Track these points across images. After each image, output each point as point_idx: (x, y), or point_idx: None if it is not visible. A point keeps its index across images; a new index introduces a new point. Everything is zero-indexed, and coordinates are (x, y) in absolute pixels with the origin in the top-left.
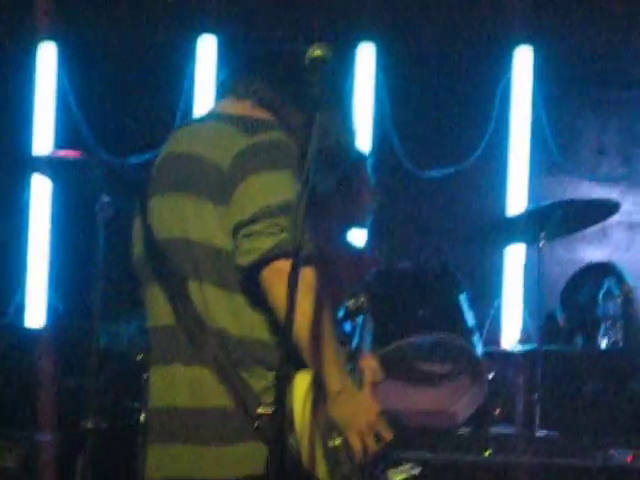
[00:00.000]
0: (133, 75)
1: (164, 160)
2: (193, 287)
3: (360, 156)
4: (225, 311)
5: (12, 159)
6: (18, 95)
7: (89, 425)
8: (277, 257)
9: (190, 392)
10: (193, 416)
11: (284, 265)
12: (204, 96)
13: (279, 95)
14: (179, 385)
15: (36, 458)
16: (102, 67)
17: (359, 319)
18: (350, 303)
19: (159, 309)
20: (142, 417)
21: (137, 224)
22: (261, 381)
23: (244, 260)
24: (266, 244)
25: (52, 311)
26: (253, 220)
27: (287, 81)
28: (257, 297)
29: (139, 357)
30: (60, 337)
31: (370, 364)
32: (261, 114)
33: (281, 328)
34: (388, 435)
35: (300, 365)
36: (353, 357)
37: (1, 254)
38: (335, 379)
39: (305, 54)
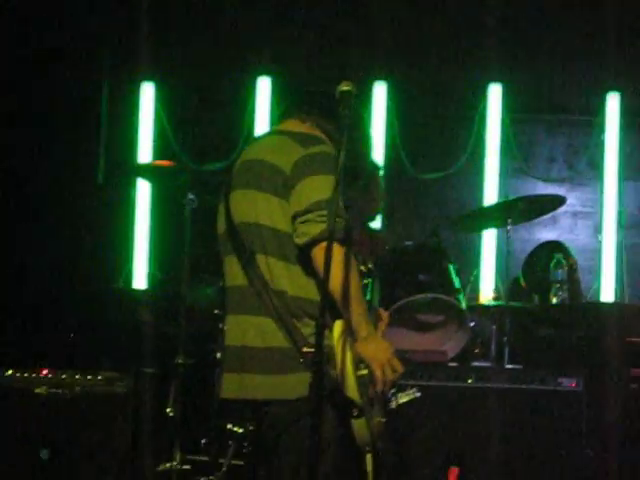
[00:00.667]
0: (211, 105)
1: (240, 164)
2: (260, 259)
3: (375, 167)
4: (284, 277)
5: (123, 167)
6: (127, 120)
7: (180, 361)
8: (323, 239)
9: (256, 335)
10: (258, 353)
11: (328, 245)
12: (261, 120)
13: (329, 123)
14: (248, 330)
15: (141, 386)
16: (188, 98)
17: (369, 281)
18: (363, 269)
19: (235, 274)
20: (218, 355)
21: (221, 211)
22: (308, 328)
23: (300, 240)
24: (316, 229)
25: (152, 278)
26: (307, 211)
27: (333, 114)
28: (308, 267)
29: (216, 311)
30: (158, 296)
31: (383, 316)
32: (313, 130)
33: (324, 289)
34: (400, 368)
35: (336, 316)
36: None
37: (115, 237)
38: (362, 326)
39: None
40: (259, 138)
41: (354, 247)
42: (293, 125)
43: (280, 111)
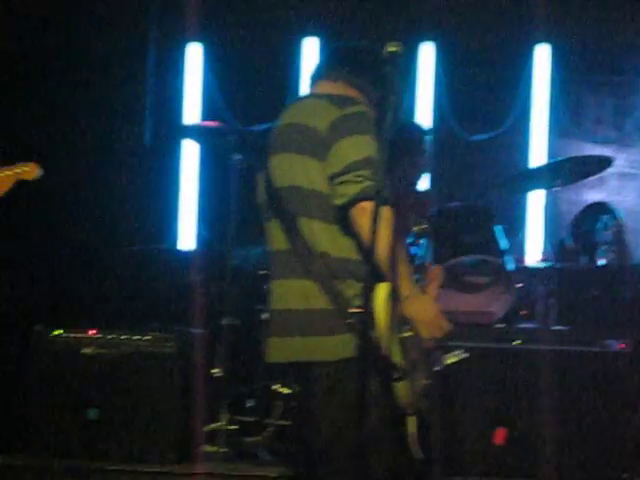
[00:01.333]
0: (257, 65)
1: (278, 129)
2: (302, 221)
3: (421, 130)
4: (326, 238)
5: (170, 128)
6: (175, 81)
7: (227, 322)
8: (361, 199)
9: (300, 298)
10: (303, 315)
11: (367, 205)
12: (307, 81)
13: (361, 78)
14: (291, 293)
15: (189, 346)
16: (234, 58)
17: (423, 241)
18: (416, 229)
19: (277, 237)
20: (264, 316)
21: (260, 176)
22: (352, 289)
23: (339, 201)
24: (354, 190)
25: (200, 238)
26: (344, 172)
27: (366, 68)
28: (348, 227)
29: (261, 272)
30: (205, 257)
31: (438, 272)
32: (350, 92)
33: (366, 250)
34: (447, 326)
35: (380, 277)
36: (419, 270)
37: (162, 197)
38: (406, 287)
39: (376, 49)
40: (294, 102)
41: (402, 208)
42: (326, 87)
43: (312, 73)
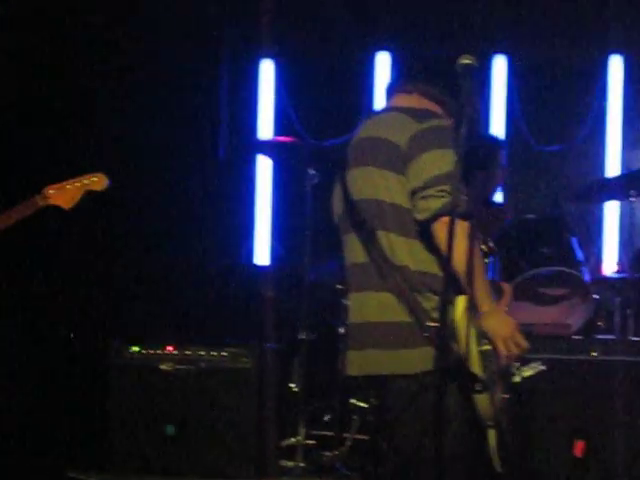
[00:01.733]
0: (330, 81)
1: (356, 142)
2: (381, 235)
3: (497, 142)
4: (405, 252)
5: (245, 143)
6: (249, 97)
7: (303, 336)
8: (444, 214)
9: (379, 310)
10: (381, 328)
11: (449, 220)
12: (381, 96)
13: (437, 90)
14: (370, 306)
15: (265, 361)
16: (308, 75)
17: (491, 259)
18: (484, 247)
19: (355, 251)
20: (341, 330)
21: (338, 189)
22: (430, 302)
23: (421, 216)
24: (436, 204)
25: (274, 253)
26: (426, 186)
27: (440, 78)
28: (429, 242)
29: (338, 286)
30: (281, 271)
31: (506, 290)
32: (427, 105)
33: (445, 264)
34: (523, 342)
35: (458, 291)
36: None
37: (237, 212)
38: (484, 300)
39: (450, 60)
40: (372, 116)
41: (475, 223)
42: (403, 100)
43: (387, 86)
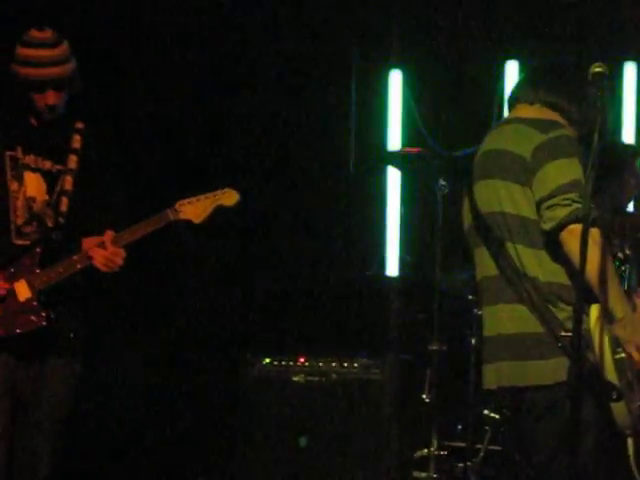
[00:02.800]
0: (459, 90)
1: (481, 155)
2: (509, 247)
3: (631, 152)
4: (534, 264)
5: (374, 155)
6: (378, 108)
7: (434, 347)
8: (570, 222)
9: (512, 322)
10: (515, 339)
11: (576, 228)
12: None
13: (560, 98)
14: (503, 318)
15: (397, 372)
16: (437, 85)
17: (627, 267)
18: (620, 255)
19: (485, 264)
20: (473, 341)
21: (465, 203)
22: (563, 312)
23: (547, 226)
24: (562, 213)
25: (404, 264)
26: (552, 196)
27: (564, 87)
28: (556, 252)
29: (470, 297)
30: (411, 283)
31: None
32: (548, 114)
33: (576, 273)
34: None
35: (591, 300)
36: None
37: (367, 224)
38: (618, 308)
39: (576, 66)
40: (495, 128)
41: (610, 232)
42: (525, 110)
43: (509, 96)
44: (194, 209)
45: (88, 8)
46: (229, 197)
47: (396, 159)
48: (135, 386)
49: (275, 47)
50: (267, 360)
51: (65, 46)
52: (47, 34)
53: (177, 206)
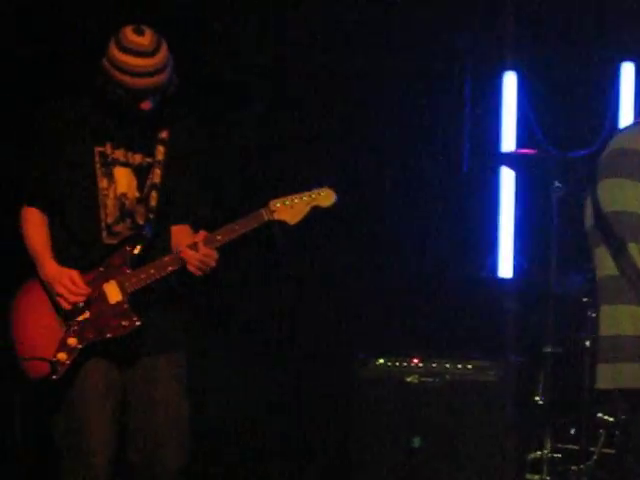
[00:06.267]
0: (574, 92)
1: (607, 154)
2: (632, 247)
3: None
4: None
5: (488, 156)
6: (492, 109)
7: (548, 350)
8: None
9: (631, 324)
10: (633, 341)
11: None
12: (625, 107)
13: None
14: (621, 319)
15: (510, 374)
16: (551, 86)
17: None
18: None
19: (605, 263)
20: (587, 343)
21: (588, 202)
22: None
23: None
24: None
25: (517, 265)
26: None
27: None
28: None
29: (584, 299)
30: (524, 284)
31: None
32: None
33: None
34: None
35: None
36: None
37: (480, 225)
38: None
39: None
40: (625, 128)
41: None
42: None
43: (634, 99)
44: (289, 210)
45: None
46: (326, 197)
47: (510, 160)
48: (248, 387)
49: (388, 46)
50: (381, 360)
51: (164, 50)
52: (146, 40)
53: (271, 206)
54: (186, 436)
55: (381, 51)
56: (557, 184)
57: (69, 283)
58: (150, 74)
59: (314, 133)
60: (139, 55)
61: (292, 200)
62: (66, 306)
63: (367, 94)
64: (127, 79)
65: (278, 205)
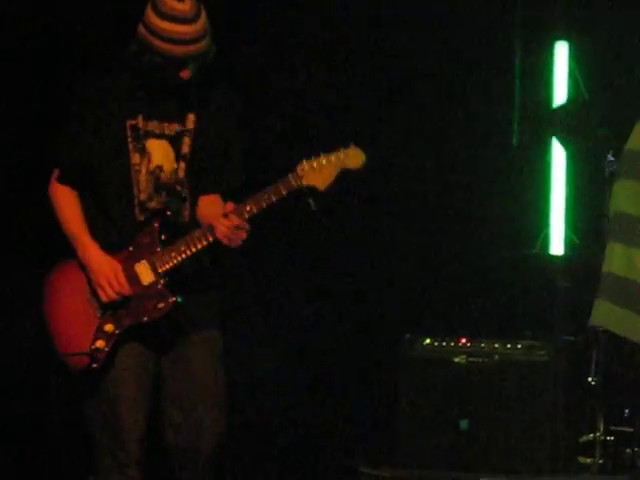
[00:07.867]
0: (625, 64)
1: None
2: None
3: None
4: None
5: (538, 129)
6: (541, 80)
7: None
8: None
9: None
10: None
11: None
12: None
13: None
14: None
15: (563, 354)
16: (602, 56)
17: None
18: None
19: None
20: None
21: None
22: None
23: None
24: None
25: (569, 242)
26: None
27: None
28: None
29: None
30: (576, 262)
31: None
32: None
33: None
34: None
35: None
36: None
37: (531, 200)
38: None
39: None
40: None
41: None
42: None
43: None
44: (319, 173)
45: None
46: (355, 157)
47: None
48: (294, 368)
49: (437, 14)
50: (428, 340)
51: (204, 16)
52: (187, 5)
53: (298, 170)
54: (224, 414)
55: (429, 23)
56: (610, 157)
57: (112, 277)
58: (191, 41)
59: (355, 105)
60: (180, 22)
61: (320, 162)
62: (104, 299)
63: (415, 67)
64: (167, 47)
65: (306, 169)
